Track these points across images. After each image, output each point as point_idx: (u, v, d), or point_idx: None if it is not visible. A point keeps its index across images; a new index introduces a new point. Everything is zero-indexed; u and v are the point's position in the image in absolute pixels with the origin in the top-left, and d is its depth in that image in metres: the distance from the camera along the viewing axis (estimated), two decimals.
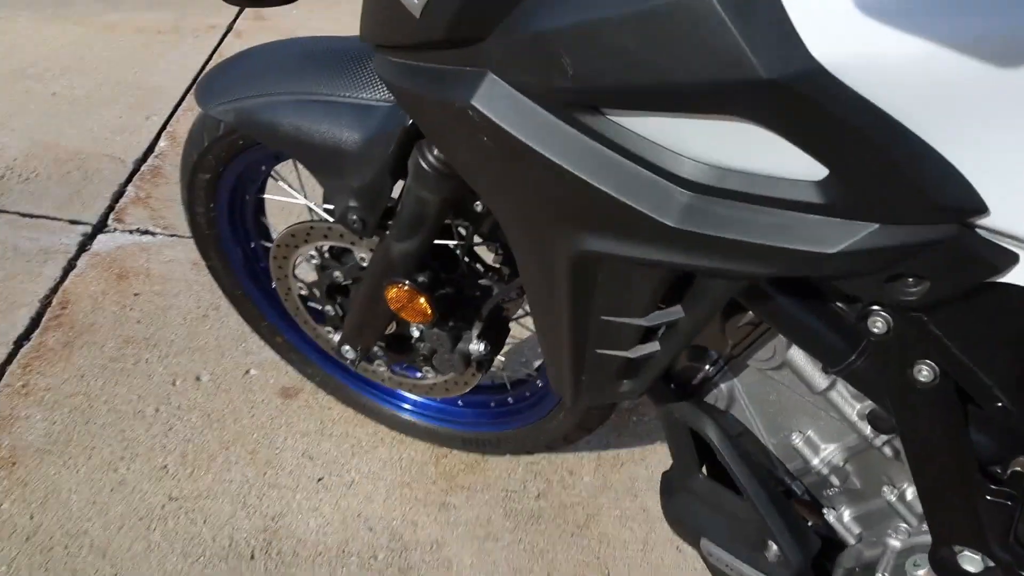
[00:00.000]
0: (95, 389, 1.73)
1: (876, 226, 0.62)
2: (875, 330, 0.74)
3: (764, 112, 0.59)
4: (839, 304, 0.84)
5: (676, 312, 0.84)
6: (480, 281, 1.25)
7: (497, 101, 0.70)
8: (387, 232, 1.10)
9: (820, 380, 0.95)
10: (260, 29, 3.00)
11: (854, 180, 0.60)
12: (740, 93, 0.58)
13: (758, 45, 0.55)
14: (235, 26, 3.02)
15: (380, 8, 0.76)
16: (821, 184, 0.62)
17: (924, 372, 0.75)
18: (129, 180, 2.27)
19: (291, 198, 1.31)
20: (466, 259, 1.23)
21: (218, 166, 1.26)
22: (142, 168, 2.31)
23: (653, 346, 0.89)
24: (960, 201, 0.59)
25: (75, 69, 2.73)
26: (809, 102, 0.56)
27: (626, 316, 0.84)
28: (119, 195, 2.22)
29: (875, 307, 0.74)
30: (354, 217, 1.08)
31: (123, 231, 2.11)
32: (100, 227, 2.12)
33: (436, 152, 0.95)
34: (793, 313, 0.84)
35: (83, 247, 2.05)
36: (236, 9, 3.18)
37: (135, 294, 1.94)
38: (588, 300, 0.83)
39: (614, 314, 0.84)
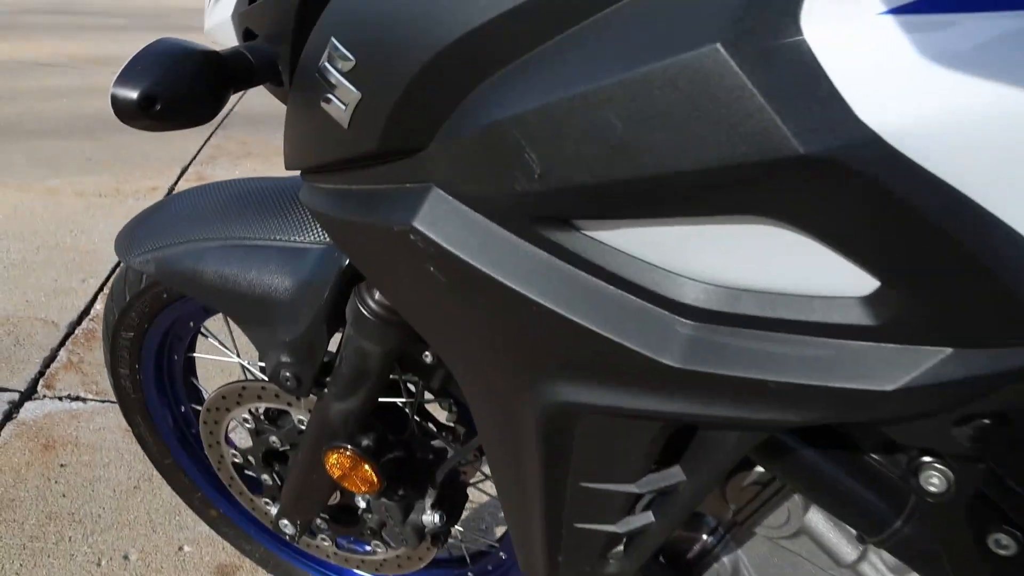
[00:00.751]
0: (9, 573, 1.55)
1: (948, 351, 0.48)
2: (931, 488, 0.59)
3: (797, 204, 0.45)
4: (875, 456, 0.68)
5: (675, 475, 0.69)
6: (433, 443, 1.13)
7: (443, 220, 0.57)
8: (325, 391, 0.99)
9: (848, 550, 0.78)
10: None
11: (917, 291, 0.46)
12: (766, 179, 0.44)
13: (790, 111, 0.42)
14: (176, 187, 2.98)
15: (304, 122, 0.66)
16: (871, 300, 0.48)
17: (1003, 541, 0.60)
18: (62, 344, 2.16)
19: (222, 356, 1.20)
20: (416, 418, 1.11)
21: (142, 323, 1.16)
22: (76, 331, 2.20)
23: (646, 517, 0.73)
24: None
25: (12, 234, 2.65)
26: (859, 185, 0.42)
27: (612, 482, 0.69)
28: (50, 360, 2.10)
29: (929, 459, 0.59)
30: (287, 374, 0.97)
31: (52, 398, 1.98)
32: (28, 394, 1.99)
33: (377, 295, 0.85)
34: (819, 469, 0.68)
35: (8, 415, 1.92)
36: (178, 169, 3.16)
37: (61, 465, 1.79)
38: (563, 463, 0.68)
39: (597, 480, 0.69)
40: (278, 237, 0.95)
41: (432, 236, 0.57)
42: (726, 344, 0.52)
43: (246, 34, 0.72)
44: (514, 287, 0.56)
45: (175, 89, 0.58)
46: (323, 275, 0.90)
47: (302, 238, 0.94)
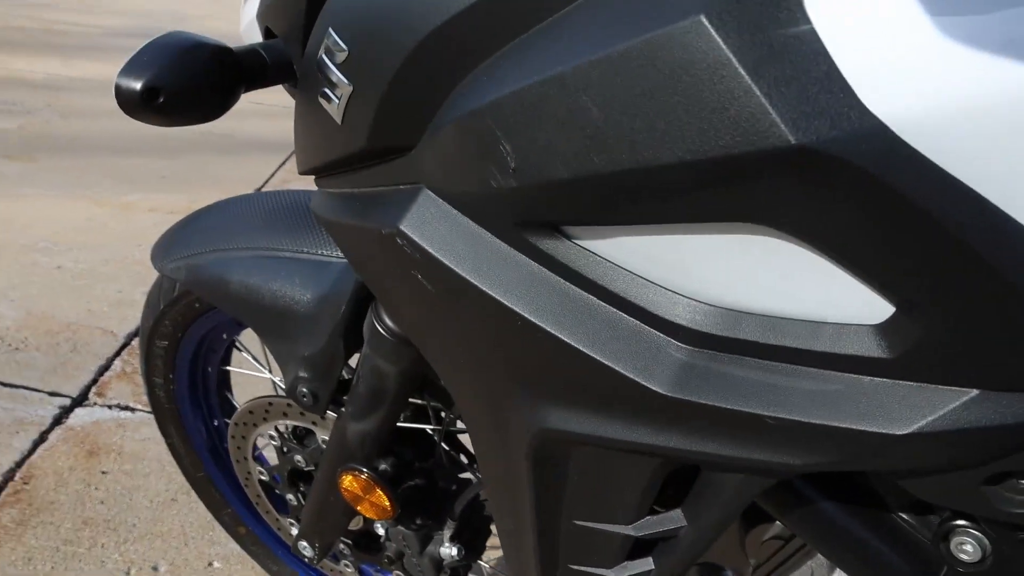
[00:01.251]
0: (40, 574, 1.56)
1: (974, 393, 0.42)
2: (963, 556, 0.53)
3: (792, 207, 0.40)
4: (904, 515, 0.60)
5: (675, 520, 0.63)
6: (461, 475, 1.10)
7: (430, 223, 0.53)
8: (343, 409, 0.97)
9: None
10: None
11: (936, 318, 0.39)
12: (756, 176, 0.39)
13: (782, 94, 0.36)
14: None
15: (306, 120, 0.64)
16: (884, 329, 0.42)
17: None
18: (117, 354, 2.19)
19: (254, 371, 1.19)
20: (444, 446, 1.07)
21: (176, 332, 1.16)
22: (132, 343, 2.23)
23: (645, 564, 0.67)
24: None
25: (84, 245, 2.71)
26: (861, 184, 0.37)
27: (607, 522, 0.63)
28: (105, 369, 2.13)
29: (963, 522, 0.53)
30: (304, 390, 0.95)
31: (102, 406, 2.00)
32: (80, 400, 2.01)
33: None
34: (838, 525, 0.61)
35: (58, 420, 1.95)
36: (250, 191, 3.20)
37: (103, 472, 1.80)
38: (557, 498, 0.63)
39: (591, 518, 0.64)
40: (305, 250, 0.94)
41: (418, 240, 0.54)
42: (722, 373, 0.47)
43: (267, 34, 0.71)
44: (498, 297, 0.52)
45: (180, 82, 0.56)
46: (342, 289, 0.88)
47: (329, 251, 0.93)
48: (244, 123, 4.09)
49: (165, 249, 1.05)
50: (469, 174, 0.50)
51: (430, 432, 1.06)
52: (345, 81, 0.56)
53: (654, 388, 0.49)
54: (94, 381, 2.08)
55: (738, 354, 0.47)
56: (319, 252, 0.93)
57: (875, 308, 0.42)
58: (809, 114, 0.36)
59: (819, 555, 0.72)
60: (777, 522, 0.72)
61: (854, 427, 0.44)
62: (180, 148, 3.62)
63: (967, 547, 0.53)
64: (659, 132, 0.40)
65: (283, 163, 3.58)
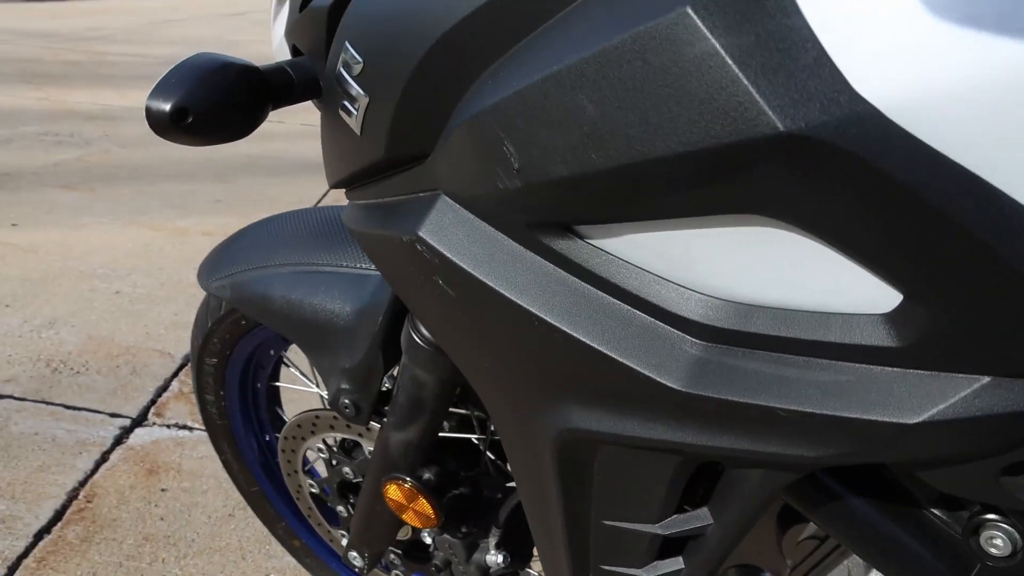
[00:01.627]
0: None
1: (985, 380, 0.41)
2: (992, 551, 0.52)
3: (789, 196, 0.40)
4: (935, 511, 0.60)
5: (702, 517, 0.63)
6: (508, 484, 1.11)
7: (448, 228, 0.55)
8: (385, 420, 0.98)
9: None
10: None
11: (944, 304, 0.39)
12: (749, 165, 0.39)
13: (769, 81, 0.36)
14: None
15: (330, 133, 0.66)
16: (893, 318, 0.42)
17: None
18: (175, 375, 2.24)
19: (302, 386, 1.22)
20: (490, 455, 1.07)
21: (224, 350, 1.19)
22: (189, 363, 2.27)
23: (675, 563, 0.67)
24: None
25: (141, 269, 2.78)
26: (855, 170, 0.36)
27: (634, 521, 0.64)
28: (163, 389, 2.18)
29: (991, 516, 0.53)
30: (347, 401, 0.97)
31: (161, 425, 2.05)
32: (139, 421, 2.07)
33: None
34: (867, 523, 0.60)
35: (119, 440, 2.00)
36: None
37: (163, 490, 1.85)
38: (585, 498, 0.64)
39: (619, 518, 0.64)
40: (344, 264, 0.96)
41: (436, 245, 0.55)
42: (735, 367, 0.47)
43: (294, 52, 0.73)
44: (514, 299, 0.52)
45: (208, 102, 0.58)
46: (380, 301, 0.90)
47: (366, 264, 0.94)
48: (295, 145, 4.16)
49: (210, 269, 1.08)
50: (479, 177, 0.50)
51: (475, 441, 1.06)
52: (362, 92, 0.57)
53: (669, 384, 0.49)
54: (153, 402, 2.14)
55: (750, 348, 0.47)
56: (357, 265, 0.95)
57: (883, 296, 0.42)
58: (798, 101, 0.36)
59: (855, 555, 0.72)
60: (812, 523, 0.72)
61: (862, 417, 0.44)
62: (232, 172, 3.70)
63: (997, 541, 0.53)
64: (652, 126, 0.40)
65: (328, 191, 3.63)
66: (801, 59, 0.36)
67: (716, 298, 0.48)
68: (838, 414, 0.45)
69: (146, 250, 2.93)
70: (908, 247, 0.39)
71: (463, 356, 0.65)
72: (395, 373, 0.95)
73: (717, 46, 0.37)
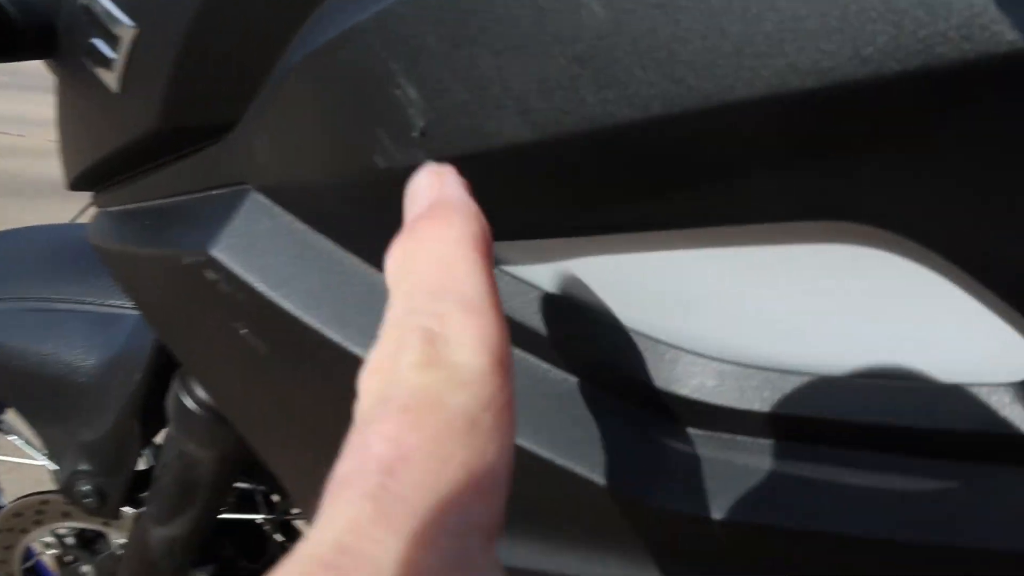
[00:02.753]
0: None
1: None
2: None
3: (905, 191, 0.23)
4: None
5: None
6: None
7: (258, 244, 0.36)
8: (144, 509, 0.78)
9: None
10: None
11: None
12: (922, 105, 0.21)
13: None
14: None
15: (74, 100, 0.45)
16: None
17: None
18: None
19: (24, 457, 0.96)
20: (279, 537, 0.91)
21: None
22: None
23: None
24: None
25: None
26: None
27: None
28: None
29: None
30: (86, 488, 0.77)
31: None
32: None
33: None
34: None
35: None
36: None
37: None
38: None
39: None
40: (88, 299, 0.77)
41: (237, 270, 0.36)
42: (746, 468, 0.29)
43: None
44: (360, 355, 0.33)
45: None
46: (137, 351, 0.71)
47: (121, 301, 0.76)
48: (36, 162, 3.77)
49: None
50: (336, 151, 0.30)
51: (260, 523, 0.90)
52: (126, 20, 0.36)
53: (623, 492, 0.30)
54: None
55: (773, 439, 0.29)
56: (106, 302, 0.76)
57: (1017, 357, 0.26)
58: None
59: None
60: None
61: (991, 546, 0.27)
62: None
63: None
64: (711, 43, 0.21)
65: (87, 208, 3.28)
66: None
67: (721, 360, 0.30)
68: (950, 543, 0.27)
69: None
70: None
71: (264, 431, 0.45)
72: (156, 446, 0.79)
73: None
